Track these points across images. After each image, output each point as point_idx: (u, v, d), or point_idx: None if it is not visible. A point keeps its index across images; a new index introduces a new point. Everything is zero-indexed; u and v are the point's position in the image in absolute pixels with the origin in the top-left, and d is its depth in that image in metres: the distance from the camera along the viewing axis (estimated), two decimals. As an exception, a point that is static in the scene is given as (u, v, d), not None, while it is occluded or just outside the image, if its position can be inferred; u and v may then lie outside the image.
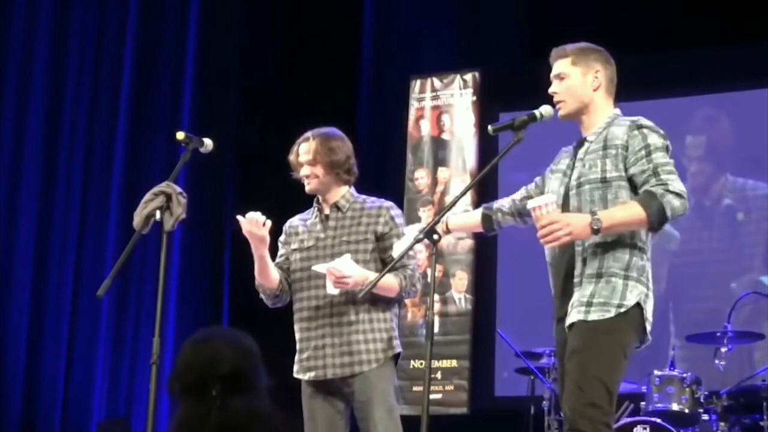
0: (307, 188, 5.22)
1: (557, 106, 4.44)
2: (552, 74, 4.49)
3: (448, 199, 9.20)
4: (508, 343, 7.64)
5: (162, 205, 4.47)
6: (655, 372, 7.17)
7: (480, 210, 4.83)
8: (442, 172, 9.52)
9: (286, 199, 9.70)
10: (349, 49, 9.91)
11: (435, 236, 4.28)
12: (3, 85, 8.80)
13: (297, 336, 5.07)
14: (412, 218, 9.48)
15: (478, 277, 9.19)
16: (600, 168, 4.29)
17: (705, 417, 7.10)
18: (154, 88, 9.38)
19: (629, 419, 7.02)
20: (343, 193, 5.21)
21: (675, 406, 7.03)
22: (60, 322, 8.65)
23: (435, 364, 9.00)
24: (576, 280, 4.28)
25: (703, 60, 8.77)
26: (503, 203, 4.77)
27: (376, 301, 4.94)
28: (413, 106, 9.75)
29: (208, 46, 9.63)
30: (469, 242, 9.26)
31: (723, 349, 7.15)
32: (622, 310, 4.18)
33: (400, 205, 9.51)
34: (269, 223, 5.09)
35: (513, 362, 7.97)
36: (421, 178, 9.58)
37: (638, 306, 4.23)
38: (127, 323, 8.88)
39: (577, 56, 4.44)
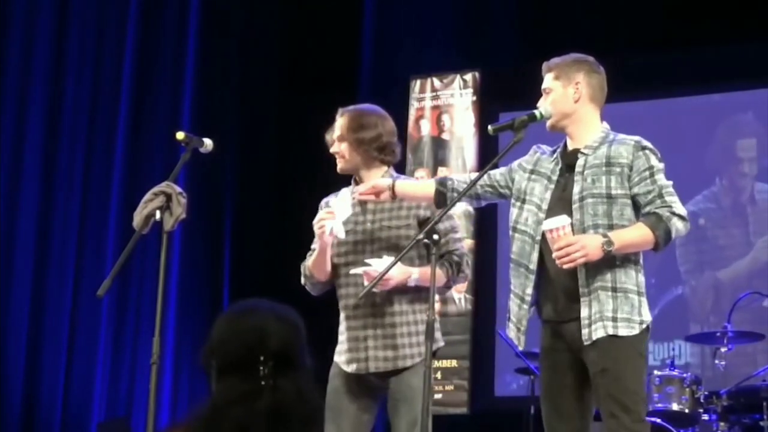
0: (338, 167, 5.09)
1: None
2: (542, 87, 4.59)
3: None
4: (508, 343, 7.59)
5: (162, 205, 4.46)
6: (655, 372, 7.17)
7: (433, 184, 4.74)
8: (442, 172, 9.51)
9: (286, 198, 9.73)
10: (349, 48, 9.92)
11: (435, 236, 4.29)
12: (3, 85, 8.79)
13: (340, 327, 4.93)
14: (412, 218, 9.49)
15: (478, 277, 9.18)
16: (605, 184, 4.38)
17: (705, 417, 7.10)
18: (154, 89, 9.38)
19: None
20: (380, 174, 4.93)
21: (675, 406, 7.03)
22: (60, 322, 8.65)
23: (435, 364, 8.97)
24: (583, 290, 4.33)
25: (709, 59, 8.78)
26: (459, 182, 4.72)
27: (419, 291, 4.79)
28: (413, 106, 9.75)
29: (208, 46, 9.63)
30: (468, 242, 9.26)
31: (723, 349, 7.15)
32: (644, 326, 4.35)
33: (400, 205, 9.56)
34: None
35: (513, 362, 7.97)
36: (421, 177, 9.57)
37: (650, 321, 4.41)
38: (127, 323, 8.88)
39: (560, 70, 4.55)
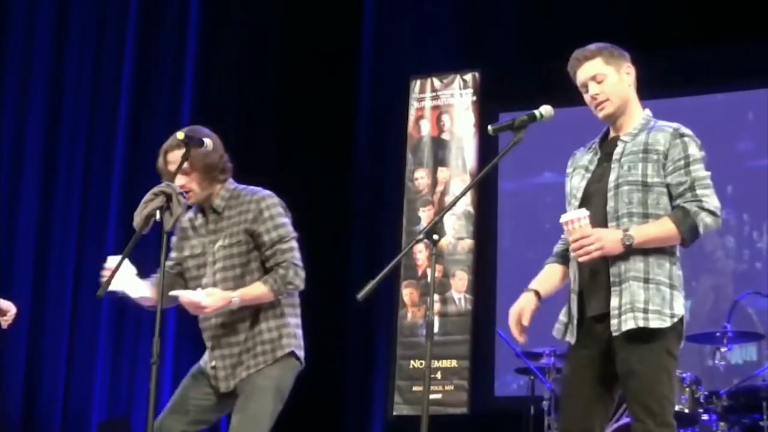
0: (190, 201, 4.81)
1: (599, 107, 4.42)
2: (584, 77, 4.44)
3: (448, 199, 9.20)
4: (508, 343, 7.63)
5: (162, 205, 4.46)
6: (655, 372, 7.15)
7: (556, 265, 4.62)
8: (442, 172, 9.52)
9: (285, 197, 9.72)
10: (349, 48, 9.92)
11: (435, 237, 4.27)
12: (3, 84, 8.79)
13: None
14: (412, 218, 9.49)
15: (478, 277, 9.19)
16: (641, 172, 4.29)
17: (705, 417, 7.09)
18: (154, 88, 9.37)
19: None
20: (218, 191, 4.91)
21: (675, 407, 7.03)
22: (60, 323, 8.65)
23: (435, 364, 9.00)
24: (614, 279, 4.27)
25: (708, 59, 8.79)
26: (559, 248, 4.68)
27: (256, 310, 4.80)
28: (413, 106, 9.75)
29: (208, 46, 9.63)
30: (469, 242, 9.27)
31: (723, 349, 7.15)
32: (675, 320, 4.24)
33: (401, 206, 9.56)
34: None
35: (513, 362, 7.97)
36: (421, 178, 9.59)
37: (683, 316, 4.29)
38: (127, 323, 8.88)
39: (606, 55, 4.44)
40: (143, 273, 4.84)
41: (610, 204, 4.31)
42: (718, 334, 7.18)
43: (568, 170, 4.58)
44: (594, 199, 4.33)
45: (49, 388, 8.57)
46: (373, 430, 9.40)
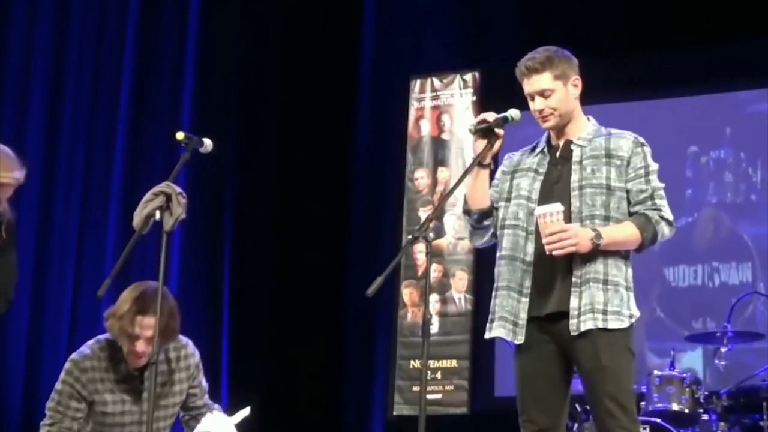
0: (138, 364, 4.75)
1: (544, 119, 4.50)
2: (531, 89, 4.52)
3: (447, 198, 9.19)
4: (508, 344, 7.62)
5: (162, 205, 4.46)
6: (655, 372, 7.16)
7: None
8: (442, 172, 9.52)
9: (286, 198, 9.73)
10: (349, 48, 9.92)
11: (430, 235, 4.30)
12: (2, 85, 8.79)
13: None
14: (412, 218, 9.49)
15: (478, 277, 9.18)
16: (605, 175, 4.39)
17: (705, 417, 7.10)
18: (154, 88, 9.37)
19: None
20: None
21: (675, 406, 7.02)
22: (60, 322, 8.64)
23: (435, 364, 9.00)
24: (576, 280, 4.33)
25: (710, 58, 8.77)
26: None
27: None
28: (413, 106, 9.75)
29: (208, 46, 9.62)
30: (469, 242, 9.26)
31: (723, 349, 7.15)
32: (633, 320, 4.37)
33: (401, 206, 9.56)
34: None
35: (513, 362, 7.95)
36: (421, 178, 9.59)
37: (638, 316, 4.42)
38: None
39: (555, 69, 4.48)
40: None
41: (575, 204, 4.39)
42: (718, 334, 7.19)
43: (506, 169, 4.63)
44: (554, 200, 4.37)
45: (49, 389, 8.56)
46: (373, 429, 9.39)
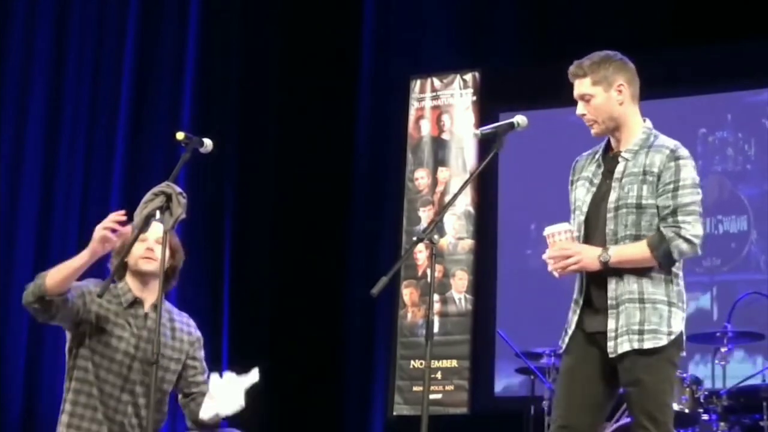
0: (146, 266, 4.73)
1: (589, 126, 4.47)
2: (576, 94, 4.49)
3: (448, 199, 9.20)
4: (508, 343, 7.64)
5: (162, 205, 4.46)
6: (656, 372, 7.15)
7: None
8: (442, 172, 9.52)
9: (286, 198, 9.73)
10: (349, 48, 9.92)
11: (435, 237, 4.30)
12: (2, 85, 8.79)
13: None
14: (412, 218, 9.49)
15: (478, 277, 9.18)
16: (637, 193, 4.35)
17: (705, 417, 7.08)
18: (154, 88, 9.37)
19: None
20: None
21: (675, 406, 7.00)
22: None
23: (435, 364, 9.00)
24: (611, 302, 4.33)
25: (713, 58, 8.78)
26: None
27: None
28: (413, 106, 9.75)
29: (208, 46, 9.62)
30: (469, 242, 9.26)
31: (723, 349, 7.15)
32: (672, 337, 4.30)
33: (401, 206, 9.56)
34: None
35: (513, 362, 7.97)
36: (421, 178, 9.58)
37: (681, 332, 4.36)
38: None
39: (596, 74, 4.44)
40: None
41: (610, 227, 4.37)
42: (718, 334, 7.18)
43: (572, 177, 4.61)
44: (595, 219, 4.39)
45: (50, 389, 8.57)
46: (373, 430, 9.40)
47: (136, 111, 9.23)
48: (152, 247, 4.69)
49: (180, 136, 4.66)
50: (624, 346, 4.27)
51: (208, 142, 4.70)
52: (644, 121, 4.51)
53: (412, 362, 9.19)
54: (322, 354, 9.44)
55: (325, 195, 9.59)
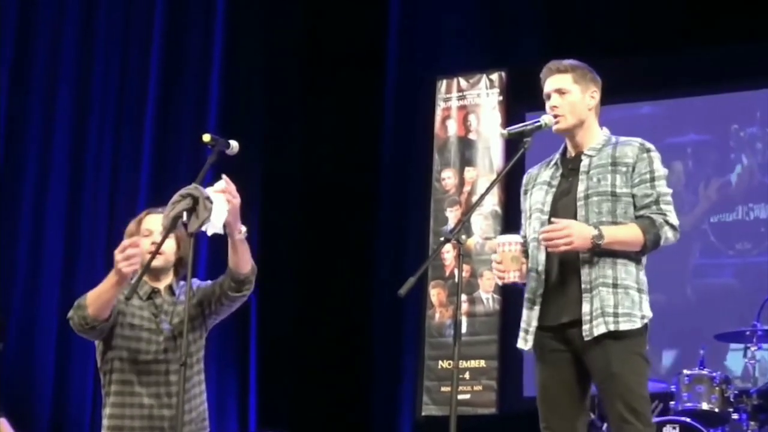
0: (154, 263, 4.71)
1: (555, 120, 4.59)
2: (550, 87, 4.64)
3: (475, 199, 9.18)
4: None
5: (189, 207, 4.48)
6: (685, 371, 7.14)
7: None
8: (469, 172, 9.51)
9: (312, 197, 9.74)
10: (375, 49, 9.92)
11: (462, 237, 4.33)
12: (30, 89, 8.83)
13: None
14: (439, 218, 9.49)
15: (506, 277, 9.16)
16: (610, 182, 4.48)
17: (735, 416, 7.07)
18: (180, 90, 9.39)
19: (658, 419, 6.99)
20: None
21: (705, 406, 7.00)
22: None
23: (463, 364, 8.99)
24: (585, 286, 4.42)
25: (736, 58, 8.75)
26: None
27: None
28: (439, 106, 9.74)
29: (234, 47, 9.64)
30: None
31: (753, 348, 7.13)
32: (646, 320, 4.45)
33: (428, 206, 9.56)
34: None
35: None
36: (447, 178, 9.58)
37: (651, 317, 4.50)
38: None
39: (577, 74, 4.64)
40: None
41: (581, 213, 4.47)
42: (747, 332, 7.16)
43: (526, 187, 4.76)
44: (563, 211, 4.49)
45: (79, 390, 8.61)
46: (401, 430, 9.39)
47: (162, 113, 9.26)
48: (157, 241, 4.72)
49: (206, 138, 4.67)
50: (600, 329, 4.36)
51: (234, 144, 4.71)
52: (604, 128, 4.69)
53: (440, 363, 9.18)
54: (349, 355, 9.44)
55: (351, 196, 9.60)
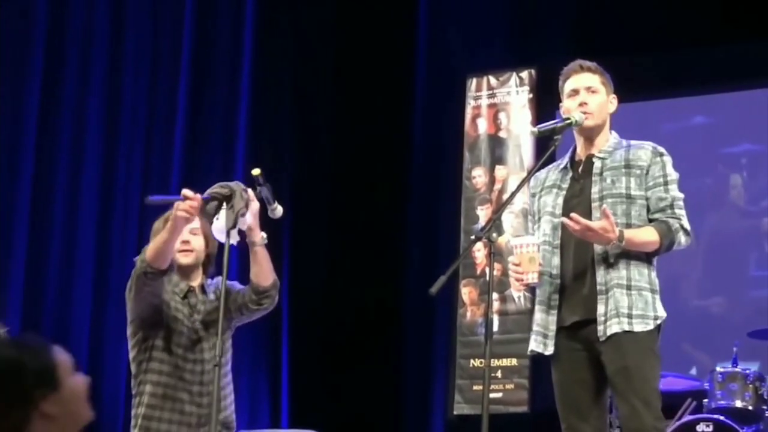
0: (184, 260, 4.89)
1: (585, 116, 4.64)
2: (580, 84, 4.72)
3: (506, 198, 9.18)
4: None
5: (227, 196, 4.67)
6: (718, 369, 7.13)
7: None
8: (500, 171, 9.50)
9: (343, 201, 9.75)
10: (404, 48, 9.92)
11: (493, 235, 4.35)
12: (60, 96, 8.86)
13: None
14: (470, 217, 9.49)
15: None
16: (625, 185, 4.54)
17: (769, 413, 7.04)
18: (210, 99, 9.41)
19: (692, 417, 6.98)
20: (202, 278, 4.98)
21: (738, 403, 6.98)
22: (120, 327, 8.69)
23: (495, 362, 8.98)
24: (601, 287, 4.47)
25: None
26: None
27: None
28: (469, 104, 9.74)
29: (263, 51, 9.66)
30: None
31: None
32: (659, 322, 4.51)
33: (458, 204, 9.56)
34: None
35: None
36: (478, 176, 9.57)
37: (665, 317, 4.55)
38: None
39: (605, 78, 4.74)
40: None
41: (595, 215, 4.50)
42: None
43: (534, 190, 4.79)
44: (576, 212, 4.49)
45: (112, 387, 8.64)
46: (433, 429, 9.39)
47: (191, 122, 9.28)
48: (187, 239, 4.85)
49: (256, 171, 4.73)
50: (613, 328, 4.42)
51: (279, 208, 4.77)
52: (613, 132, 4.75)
53: (471, 361, 9.18)
54: (381, 354, 9.45)
55: (382, 195, 9.60)
